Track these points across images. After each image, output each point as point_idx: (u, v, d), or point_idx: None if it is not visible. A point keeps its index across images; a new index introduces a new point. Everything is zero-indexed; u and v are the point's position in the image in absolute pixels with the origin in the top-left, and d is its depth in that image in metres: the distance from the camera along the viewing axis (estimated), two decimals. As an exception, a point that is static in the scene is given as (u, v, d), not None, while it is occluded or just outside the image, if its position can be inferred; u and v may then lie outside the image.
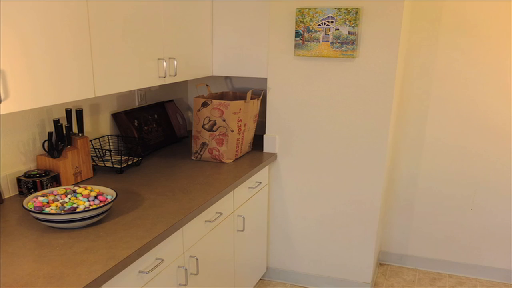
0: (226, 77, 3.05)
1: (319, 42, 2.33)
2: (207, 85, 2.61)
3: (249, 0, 2.44)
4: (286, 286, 2.83)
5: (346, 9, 2.24)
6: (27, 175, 1.86)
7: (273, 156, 2.58)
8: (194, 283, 1.91)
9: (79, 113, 2.06)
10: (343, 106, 2.44)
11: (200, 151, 2.43)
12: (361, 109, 2.41)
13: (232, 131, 2.37)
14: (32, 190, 1.84)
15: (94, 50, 1.68)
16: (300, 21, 2.34)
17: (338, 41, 2.29)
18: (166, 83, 2.15)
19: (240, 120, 2.40)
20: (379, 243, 3.00)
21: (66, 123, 2.05)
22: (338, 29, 2.28)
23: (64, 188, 1.71)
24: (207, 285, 2.05)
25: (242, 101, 2.38)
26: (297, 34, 2.36)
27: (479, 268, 2.97)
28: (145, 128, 2.60)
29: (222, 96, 2.68)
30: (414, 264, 3.10)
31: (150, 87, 2.75)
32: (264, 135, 2.63)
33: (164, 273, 1.67)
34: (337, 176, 2.56)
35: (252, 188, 2.41)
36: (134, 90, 2.62)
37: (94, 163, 2.22)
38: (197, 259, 1.87)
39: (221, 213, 2.06)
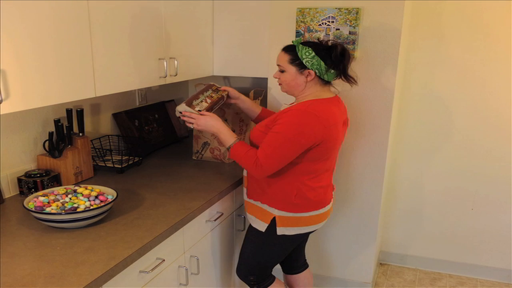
0: (227, 77, 3.05)
1: (320, 42, 2.33)
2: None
3: (249, 0, 2.44)
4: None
5: (347, 9, 2.24)
6: (27, 175, 1.86)
7: (273, 156, 2.58)
8: (194, 283, 1.91)
9: (80, 113, 2.06)
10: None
11: (201, 151, 2.43)
12: (362, 109, 2.40)
13: (234, 131, 2.36)
14: (33, 190, 1.84)
15: (95, 49, 1.68)
16: (301, 21, 2.34)
17: (339, 41, 2.29)
18: (167, 83, 2.15)
19: (242, 120, 2.40)
20: (379, 243, 3.00)
21: (66, 123, 2.05)
22: (338, 29, 2.28)
23: (65, 188, 1.71)
24: (208, 285, 2.05)
25: (242, 101, 2.37)
26: (298, 34, 2.36)
27: (479, 268, 2.97)
28: (146, 128, 2.59)
29: (222, 96, 2.68)
30: (415, 264, 3.10)
31: (150, 87, 2.75)
32: (264, 135, 2.63)
33: (164, 273, 1.67)
34: (337, 175, 2.55)
35: (252, 188, 2.41)
36: (135, 90, 2.62)
37: (95, 163, 2.22)
38: (197, 259, 1.87)
39: (222, 213, 2.06)
